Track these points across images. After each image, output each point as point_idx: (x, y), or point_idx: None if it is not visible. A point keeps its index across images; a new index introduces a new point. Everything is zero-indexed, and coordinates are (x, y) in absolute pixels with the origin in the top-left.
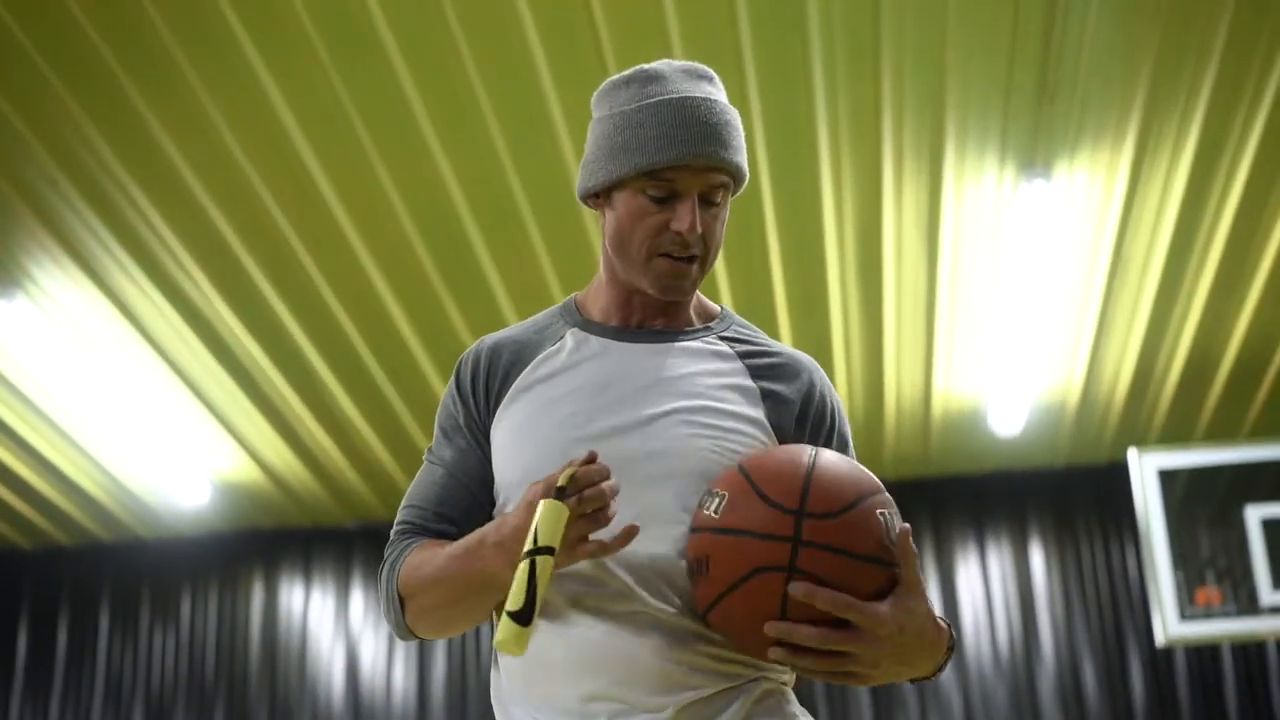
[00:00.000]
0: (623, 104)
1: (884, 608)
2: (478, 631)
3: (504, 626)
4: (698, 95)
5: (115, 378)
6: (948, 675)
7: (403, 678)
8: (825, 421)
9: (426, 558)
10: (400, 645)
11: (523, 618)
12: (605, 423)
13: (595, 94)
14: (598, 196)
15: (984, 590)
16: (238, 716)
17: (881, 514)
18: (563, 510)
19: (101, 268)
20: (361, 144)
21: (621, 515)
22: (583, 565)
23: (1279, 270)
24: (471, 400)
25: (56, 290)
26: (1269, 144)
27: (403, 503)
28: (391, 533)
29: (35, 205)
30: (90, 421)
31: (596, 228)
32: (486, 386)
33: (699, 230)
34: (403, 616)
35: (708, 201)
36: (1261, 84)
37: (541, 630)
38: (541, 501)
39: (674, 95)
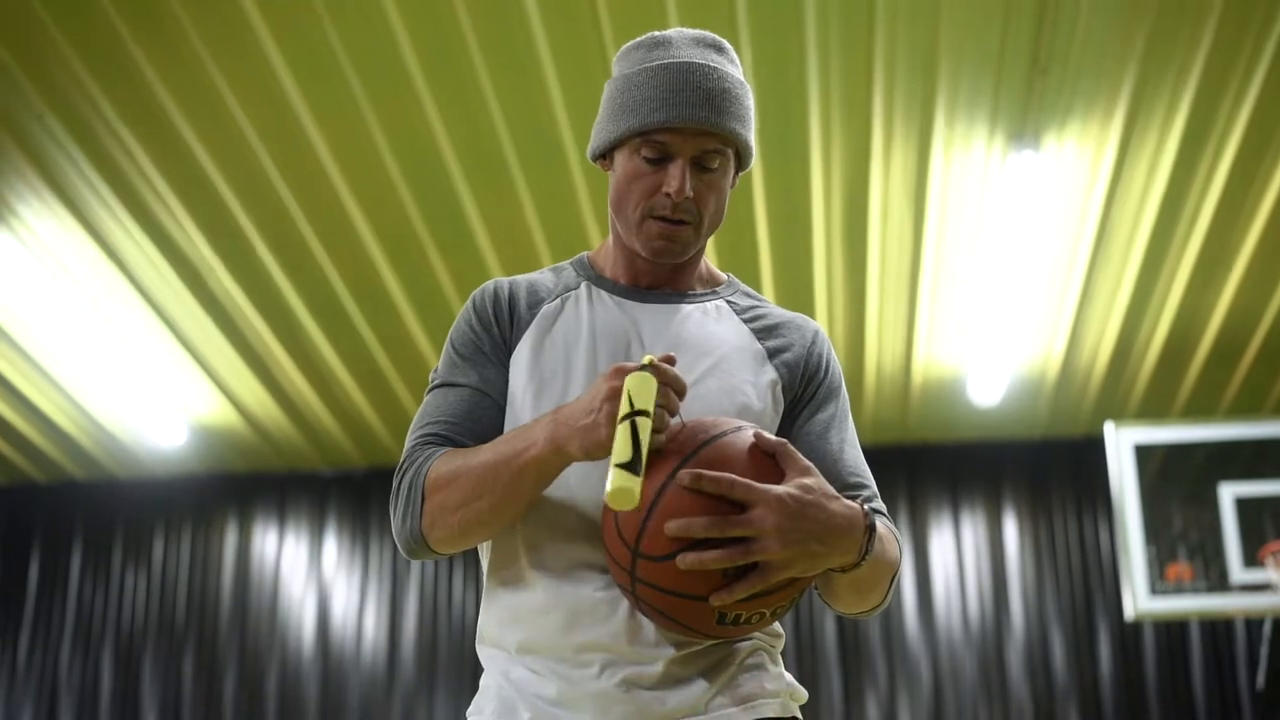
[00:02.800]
0: (629, 68)
1: (773, 486)
2: (449, 580)
3: (615, 477)
4: (698, 61)
5: (96, 316)
6: (917, 642)
7: (374, 625)
8: (818, 375)
9: (463, 453)
10: (372, 593)
11: (633, 467)
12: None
13: (615, 58)
14: (604, 158)
15: (956, 559)
16: (207, 659)
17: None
18: (651, 380)
19: (86, 205)
20: (354, 96)
21: None
22: (580, 520)
23: (1262, 249)
24: (495, 327)
25: (40, 226)
26: (1257, 124)
27: (419, 423)
28: (409, 446)
29: (21, 140)
30: (68, 358)
31: (584, 186)
32: (511, 315)
33: (688, 193)
34: (420, 518)
35: (703, 167)
36: (1253, 63)
37: (537, 580)
38: (628, 375)
39: (675, 60)
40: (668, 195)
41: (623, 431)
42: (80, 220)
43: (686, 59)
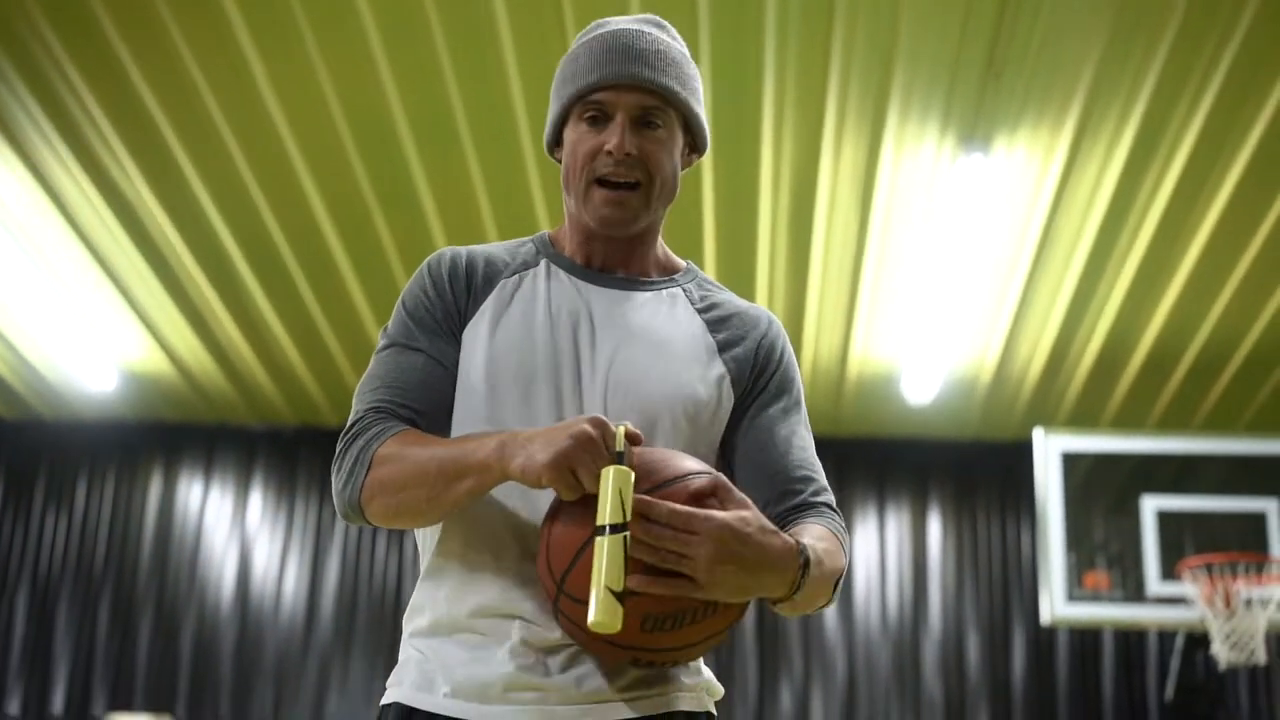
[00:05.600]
0: (570, 53)
1: (715, 512)
2: (372, 543)
3: (607, 607)
4: (631, 28)
5: (31, 255)
6: (834, 635)
7: (294, 583)
8: (769, 367)
9: (416, 440)
10: (294, 551)
11: (625, 597)
12: (571, 356)
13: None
14: (559, 146)
15: (879, 555)
16: (123, 606)
17: (644, 617)
18: (630, 476)
19: (31, 148)
20: (308, 53)
21: None
22: (508, 507)
23: (1201, 265)
24: (450, 295)
25: None
26: (1205, 142)
27: (371, 384)
28: (359, 410)
29: None
30: (1, 296)
31: (533, 157)
32: (468, 287)
33: (629, 149)
34: (360, 490)
35: (646, 123)
36: (1205, 81)
37: (461, 562)
38: (613, 469)
39: (608, 30)
40: (609, 153)
41: (615, 549)
42: (24, 160)
43: (620, 28)
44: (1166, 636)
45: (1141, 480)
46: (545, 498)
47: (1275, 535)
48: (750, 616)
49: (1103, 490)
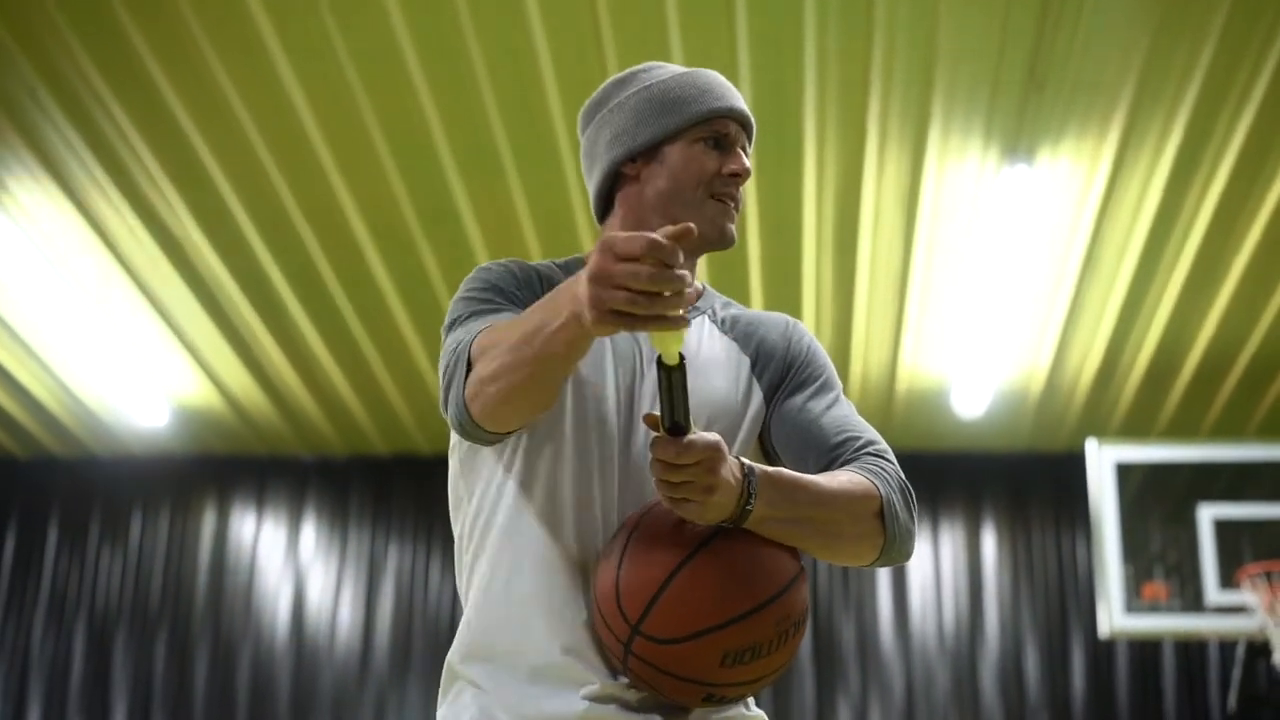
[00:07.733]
0: (661, 77)
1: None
2: (426, 570)
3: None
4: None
5: (81, 293)
6: (891, 652)
7: (349, 614)
8: (794, 364)
9: (505, 324)
10: (348, 581)
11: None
12: (629, 398)
13: (606, 88)
14: (635, 161)
15: (934, 569)
16: (180, 642)
17: (724, 654)
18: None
19: (76, 182)
20: (348, 82)
21: (638, 495)
22: (570, 555)
23: (1250, 273)
24: (528, 290)
25: (29, 201)
26: (1250, 148)
27: (465, 335)
28: (461, 339)
29: (13, 115)
30: (53, 334)
31: (575, 177)
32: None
33: (750, 172)
34: (464, 388)
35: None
36: (1249, 86)
37: (518, 609)
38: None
39: (710, 72)
40: (734, 174)
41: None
42: (70, 197)
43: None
44: (1227, 646)
45: (1197, 488)
46: (595, 532)
47: None
48: (806, 634)
49: (1158, 500)
